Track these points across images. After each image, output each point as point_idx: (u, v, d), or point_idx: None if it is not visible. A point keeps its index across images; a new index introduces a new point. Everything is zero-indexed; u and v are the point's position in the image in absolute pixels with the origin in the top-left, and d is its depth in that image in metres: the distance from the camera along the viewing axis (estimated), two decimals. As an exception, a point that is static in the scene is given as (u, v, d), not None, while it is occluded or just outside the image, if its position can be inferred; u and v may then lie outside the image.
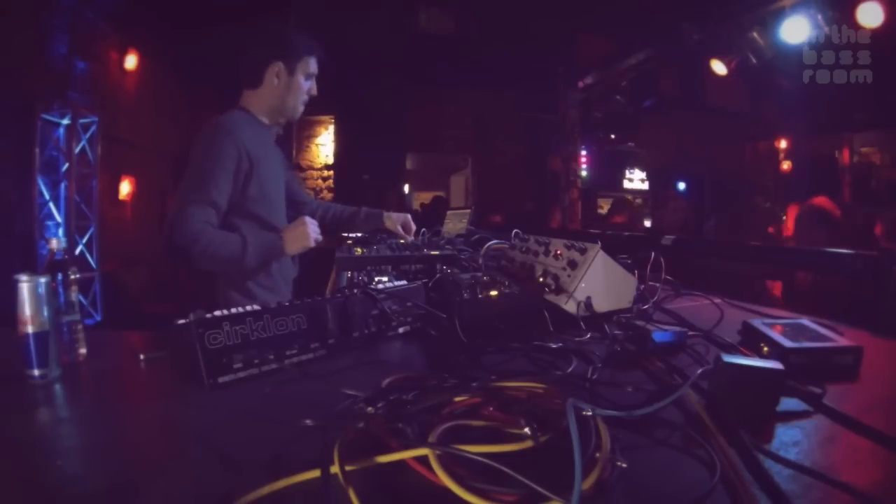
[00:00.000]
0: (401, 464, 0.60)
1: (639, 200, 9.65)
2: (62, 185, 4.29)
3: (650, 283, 1.52)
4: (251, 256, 1.51)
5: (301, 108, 1.77)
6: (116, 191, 5.56)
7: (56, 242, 1.02)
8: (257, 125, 1.71)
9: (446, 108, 8.29)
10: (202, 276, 1.67)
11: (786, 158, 8.47)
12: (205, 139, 1.57)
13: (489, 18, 6.96)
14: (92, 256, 4.61)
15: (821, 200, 2.60)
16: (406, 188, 9.39)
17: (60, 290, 0.99)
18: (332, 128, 7.77)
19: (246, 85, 1.72)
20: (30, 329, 0.88)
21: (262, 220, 1.66)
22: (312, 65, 1.73)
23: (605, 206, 8.39)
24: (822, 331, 1.07)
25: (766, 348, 1.05)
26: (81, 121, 4.40)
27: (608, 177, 9.11)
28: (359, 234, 1.96)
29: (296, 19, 5.75)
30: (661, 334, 1.10)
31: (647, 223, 7.86)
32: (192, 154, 1.58)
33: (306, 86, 1.74)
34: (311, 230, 1.57)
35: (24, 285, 0.88)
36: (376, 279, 1.46)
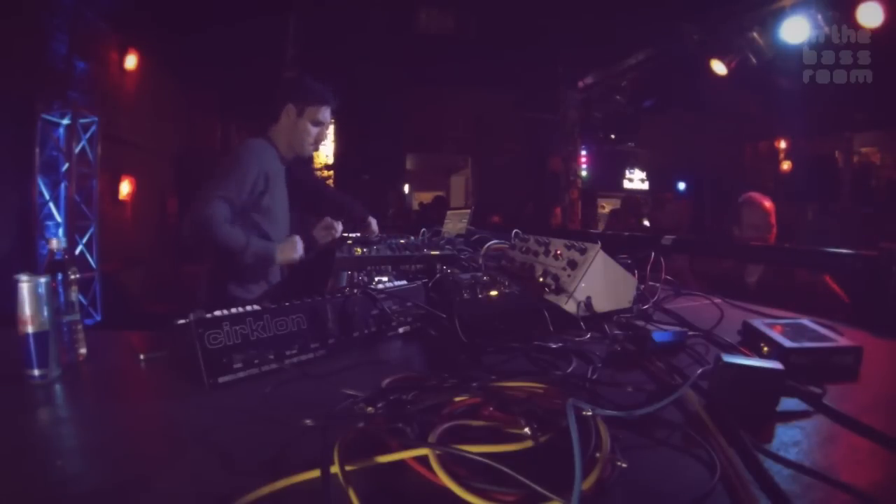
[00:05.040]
0: (401, 464, 0.60)
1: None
2: (62, 185, 4.28)
3: (650, 283, 1.52)
4: (249, 254, 1.73)
5: (310, 149, 1.99)
6: (116, 191, 5.55)
7: (56, 242, 1.02)
8: (275, 154, 1.93)
9: (446, 108, 8.29)
10: (206, 271, 1.88)
11: (786, 158, 8.46)
12: (236, 153, 1.85)
13: (489, 18, 6.94)
14: (92, 256, 4.59)
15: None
16: (406, 188, 9.38)
17: (60, 290, 0.99)
18: (332, 128, 7.76)
19: (269, 120, 1.96)
20: (30, 329, 0.88)
21: (263, 233, 1.86)
22: (322, 114, 1.94)
23: (606, 207, 8.40)
24: (822, 331, 1.07)
25: (766, 348, 1.05)
26: (81, 121, 4.38)
27: (608, 177, 9.10)
28: (358, 234, 1.96)
29: (296, 20, 5.75)
30: (661, 334, 1.10)
31: (646, 223, 7.85)
32: (223, 161, 1.86)
33: (314, 131, 1.95)
34: (299, 247, 1.82)
35: (24, 285, 0.88)
36: (376, 279, 1.46)
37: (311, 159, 3.11)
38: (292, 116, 1.92)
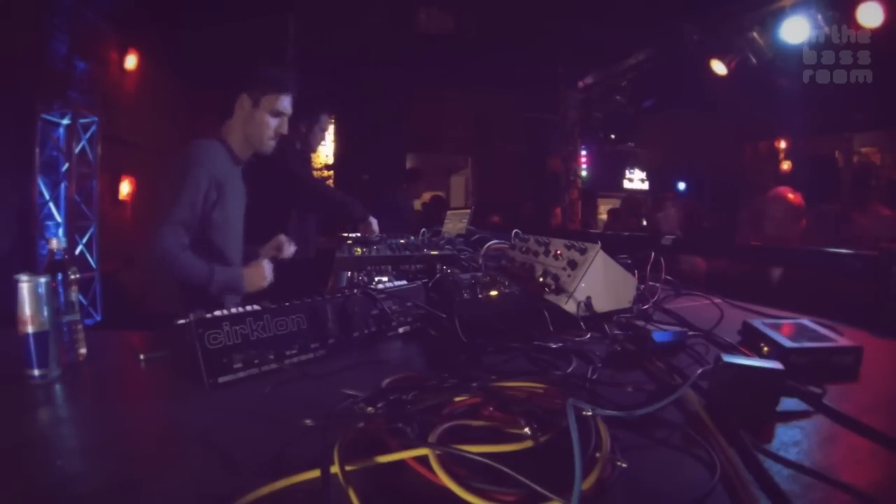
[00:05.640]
0: (401, 464, 0.60)
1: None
2: (62, 185, 4.28)
3: (650, 283, 1.52)
4: (215, 285, 1.61)
5: (269, 143, 1.77)
6: (116, 191, 5.54)
7: (56, 242, 1.02)
8: (226, 155, 1.75)
9: (446, 108, 8.29)
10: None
11: (786, 158, 8.46)
12: (180, 164, 1.64)
13: (489, 18, 6.94)
14: (92, 256, 4.60)
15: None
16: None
17: (60, 290, 0.99)
18: (331, 128, 7.77)
19: (224, 114, 1.77)
20: (30, 329, 0.88)
21: (214, 246, 1.70)
22: (282, 103, 1.73)
23: (604, 210, 8.39)
24: (823, 331, 1.07)
25: (766, 348, 1.05)
26: (81, 121, 4.38)
27: (608, 177, 9.11)
28: (358, 234, 1.97)
29: (296, 19, 5.76)
30: (661, 334, 1.10)
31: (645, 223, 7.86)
32: (169, 175, 1.66)
33: (273, 122, 1.74)
34: (267, 273, 1.69)
35: (24, 285, 0.88)
36: (376, 279, 1.46)
37: (309, 159, 3.04)
38: (247, 108, 1.72)
